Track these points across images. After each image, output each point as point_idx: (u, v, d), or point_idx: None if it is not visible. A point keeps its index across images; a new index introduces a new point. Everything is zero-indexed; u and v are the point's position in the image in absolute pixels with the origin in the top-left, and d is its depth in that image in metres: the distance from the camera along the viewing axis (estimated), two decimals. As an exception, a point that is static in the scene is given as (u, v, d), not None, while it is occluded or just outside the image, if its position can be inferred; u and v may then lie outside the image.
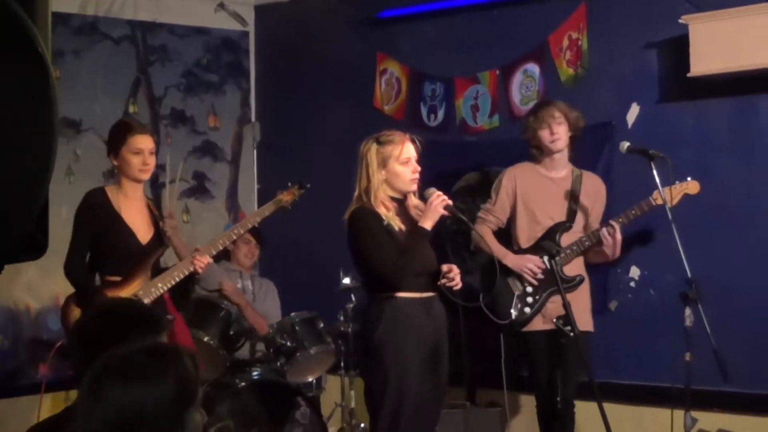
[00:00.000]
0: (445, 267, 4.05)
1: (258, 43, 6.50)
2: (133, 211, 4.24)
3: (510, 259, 4.61)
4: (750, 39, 4.42)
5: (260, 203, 6.16)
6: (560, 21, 5.22)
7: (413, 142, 4.09)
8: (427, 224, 3.97)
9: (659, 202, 4.37)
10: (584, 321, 4.49)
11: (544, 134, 4.60)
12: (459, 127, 5.61)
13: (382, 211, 4.01)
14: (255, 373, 4.93)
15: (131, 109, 5.96)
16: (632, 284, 5.02)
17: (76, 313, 4.06)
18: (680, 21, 4.61)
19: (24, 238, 2.03)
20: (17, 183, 1.92)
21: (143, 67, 6.06)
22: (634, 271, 5.00)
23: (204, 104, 6.30)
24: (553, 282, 4.41)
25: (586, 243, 4.59)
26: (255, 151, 6.51)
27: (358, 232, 4.00)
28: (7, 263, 2.08)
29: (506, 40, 5.42)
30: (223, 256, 5.40)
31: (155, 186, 5.69)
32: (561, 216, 4.64)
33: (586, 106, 4.85)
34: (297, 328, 5.07)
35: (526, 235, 4.68)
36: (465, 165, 5.50)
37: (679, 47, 4.66)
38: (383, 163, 4.02)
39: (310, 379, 5.26)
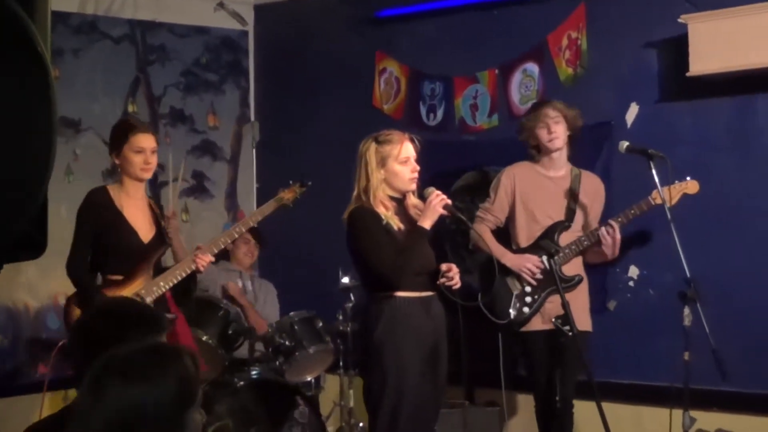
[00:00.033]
0: (444, 266, 4.04)
1: (257, 42, 6.51)
2: (135, 210, 4.25)
3: (509, 259, 4.61)
4: (749, 38, 4.42)
5: (259, 202, 6.17)
6: (560, 20, 5.22)
7: (412, 141, 4.09)
8: (426, 224, 3.97)
9: (658, 201, 4.37)
10: (583, 321, 4.50)
11: (542, 133, 4.60)
12: (458, 127, 5.61)
13: (381, 210, 4.01)
14: (254, 372, 4.93)
15: (130, 109, 5.96)
16: (631, 284, 5.02)
17: (77, 312, 4.06)
18: (679, 20, 4.61)
19: (23, 237, 2.03)
20: (16, 182, 1.92)
21: (142, 66, 6.06)
22: (633, 271, 5.00)
23: (203, 103, 6.30)
24: (552, 282, 4.42)
25: (585, 243, 4.59)
26: (254, 151, 6.51)
27: (357, 232, 4.00)
28: (6, 262, 2.08)
29: (505, 40, 5.42)
30: (223, 256, 5.40)
31: (154, 185, 5.69)
32: (560, 215, 4.64)
33: (585, 105, 4.85)
34: (296, 327, 5.07)
35: (524, 235, 4.68)
36: (464, 164, 5.50)
37: (678, 47, 4.66)
38: (382, 163, 4.02)
39: (309, 379, 5.26)
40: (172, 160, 5.08)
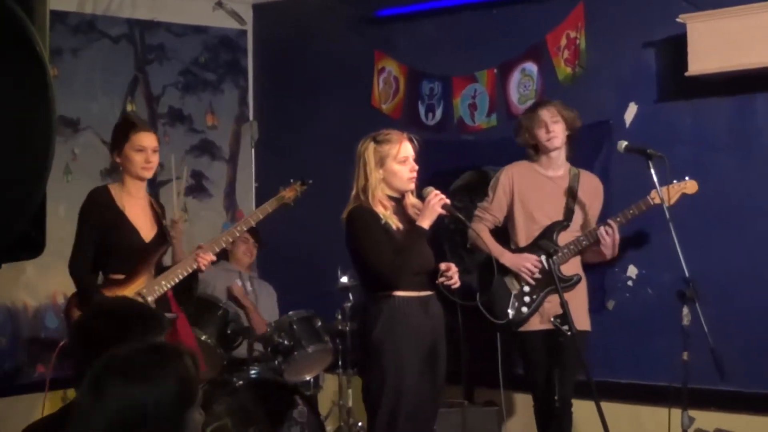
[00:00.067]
0: (443, 265, 4.04)
1: (256, 41, 6.50)
2: (137, 209, 4.25)
3: (507, 258, 4.61)
4: (748, 38, 4.42)
5: (258, 202, 6.17)
6: (558, 20, 5.22)
7: (411, 140, 4.08)
8: (425, 223, 3.97)
9: (657, 201, 4.37)
10: (581, 320, 4.49)
11: (541, 133, 4.60)
12: (457, 126, 5.61)
13: (379, 210, 4.01)
14: (252, 371, 4.93)
15: (129, 108, 5.96)
16: (630, 283, 5.02)
17: (78, 313, 4.06)
18: (678, 20, 4.61)
19: (22, 236, 2.03)
20: (15, 182, 1.92)
21: (141, 65, 6.05)
22: (632, 270, 5.00)
23: (202, 103, 6.30)
24: (551, 281, 4.42)
25: (584, 242, 4.58)
26: (253, 150, 6.51)
27: (356, 231, 4.00)
28: (4, 262, 2.08)
29: (504, 39, 5.42)
30: (221, 255, 5.39)
31: (153, 184, 5.68)
32: (558, 215, 4.64)
33: (584, 105, 4.85)
34: (295, 326, 5.07)
35: (523, 234, 4.68)
36: (463, 164, 5.49)
37: (676, 46, 4.66)
38: (381, 162, 4.01)
39: (308, 378, 5.27)
40: (175, 164, 5.07)
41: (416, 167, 4.05)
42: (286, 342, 5.01)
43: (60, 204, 5.05)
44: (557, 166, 4.68)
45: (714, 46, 4.48)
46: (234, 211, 6.39)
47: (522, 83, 5.38)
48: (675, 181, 4.45)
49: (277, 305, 5.73)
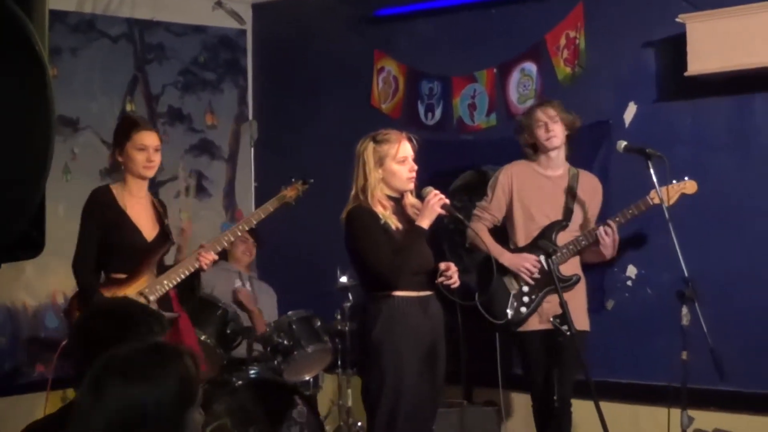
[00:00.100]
0: (442, 265, 4.04)
1: (255, 41, 6.50)
2: (139, 209, 4.25)
3: (506, 258, 4.61)
4: (747, 38, 4.42)
5: (258, 201, 6.17)
6: (558, 20, 5.22)
7: (410, 140, 4.08)
8: (424, 223, 3.97)
9: (656, 201, 4.37)
10: (581, 320, 4.49)
11: (540, 132, 4.60)
12: (456, 126, 5.61)
13: (379, 209, 4.01)
14: (252, 371, 4.93)
15: (128, 107, 5.96)
16: (629, 283, 5.02)
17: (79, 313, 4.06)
18: (677, 20, 4.61)
19: (21, 236, 2.03)
20: (14, 182, 1.92)
21: (140, 65, 6.05)
22: (631, 270, 5.00)
23: (201, 102, 6.30)
24: (550, 281, 4.41)
25: (583, 242, 4.58)
26: (252, 149, 6.51)
27: (355, 231, 4.00)
28: (4, 262, 2.08)
29: (504, 39, 5.42)
30: (221, 255, 5.38)
31: (153, 183, 5.68)
32: (557, 214, 4.64)
33: (584, 104, 4.86)
34: (294, 326, 5.07)
35: (522, 234, 4.68)
36: (462, 164, 5.50)
37: (676, 46, 4.66)
38: (380, 162, 4.01)
39: (307, 378, 5.26)
40: (183, 171, 5.06)
41: (415, 167, 4.05)
42: (285, 342, 5.01)
43: (59, 204, 5.05)
44: (556, 166, 4.68)
45: (713, 46, 4.48)
46: (233, 211, 6.39)
47: (521, 83, 5.38)
48: (674, 181, 4.45)
49: (276, 307, 5.72)
